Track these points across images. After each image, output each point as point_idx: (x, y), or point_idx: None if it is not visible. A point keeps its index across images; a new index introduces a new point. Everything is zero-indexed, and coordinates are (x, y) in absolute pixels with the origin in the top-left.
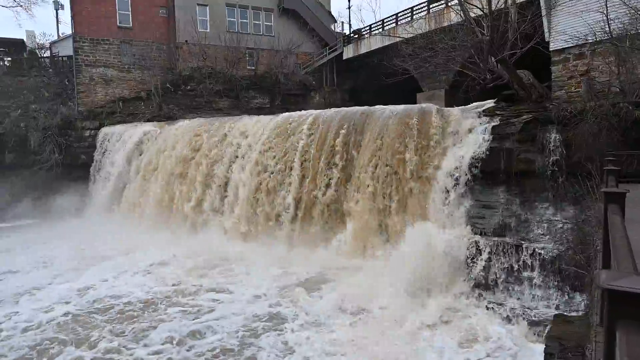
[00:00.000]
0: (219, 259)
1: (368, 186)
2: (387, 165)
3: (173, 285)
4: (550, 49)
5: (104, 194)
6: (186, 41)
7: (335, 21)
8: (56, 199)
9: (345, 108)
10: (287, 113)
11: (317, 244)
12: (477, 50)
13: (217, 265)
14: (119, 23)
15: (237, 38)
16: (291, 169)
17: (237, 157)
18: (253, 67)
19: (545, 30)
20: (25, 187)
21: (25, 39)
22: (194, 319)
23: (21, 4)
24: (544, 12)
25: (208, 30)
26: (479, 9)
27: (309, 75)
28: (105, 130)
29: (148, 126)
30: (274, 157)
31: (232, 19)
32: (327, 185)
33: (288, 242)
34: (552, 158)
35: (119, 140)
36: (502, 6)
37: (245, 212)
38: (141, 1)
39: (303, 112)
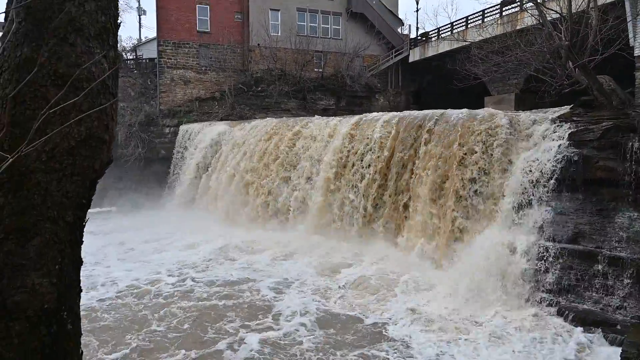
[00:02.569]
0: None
1: (434, 191)
2: (454, 170)
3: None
4: (635, 55)
5: (182, 187)
6: (258, 44)
7: (403, 24)
8: (138, 190)
9: (411, 111)
10: (358, 116)
11: (381, 243)
12: (554, 55)
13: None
14: (199, 28)
15: (306, 41)
16: (361, 172)
17: (310, 156)
18: (320, 70)
19: (630, 35)
20: (111, 178)
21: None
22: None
23: None
24: (629, 18)
25: (279, 34)
26: (557, 12)
27: (374, 78)
28: (184, 127)
29: (222, 125)
30: (343, 159)
31: (301, 23)
32: (393, 189)
33: (356, 241)
34: (634, 166)
35: (197, 137)
36: (583, 9)
37: (319, 210)
38: (219, 7)
39: (374, 114)
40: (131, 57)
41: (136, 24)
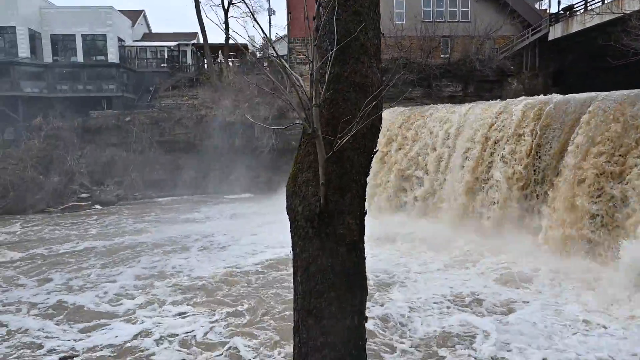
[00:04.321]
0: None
1: (590, 183)
2: (612, 161)
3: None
4: None
5: None
6: (383, 34)
7: None
8: (270, 178)
9: (558, 95)
10: (495, 102)
11: (524, 239)
12: None
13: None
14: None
15: (432, 27)
16: (503, 163)
17: (443, 145)
18: (447, 55)
19: None
20: (247, 167)
21: (248, 43)
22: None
23: (249, 15)
24: None
25: (404, 22)
26: None
27: (506, 60)
28: None
29: None
30: (481, 149)
31: (427, 9)
32: (539, 180)
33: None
34: None
35: None
36: None
37: (458, 202)
38: None
39: (513, 99)
40: (264, 56)
41: (266, 24)
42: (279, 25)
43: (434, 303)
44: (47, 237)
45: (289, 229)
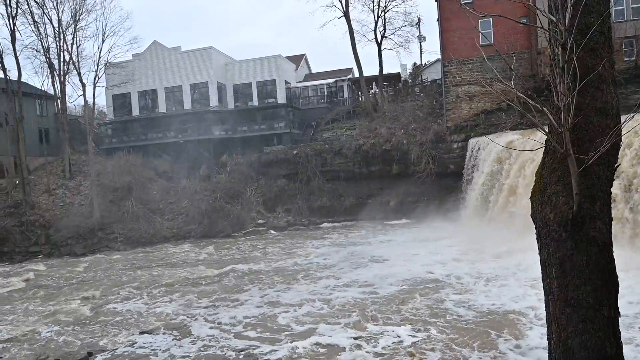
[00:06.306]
0: None
1: None
2: None
3: None
4: None
5: (474, 199)
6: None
7: None
8: (430, 204)
9: None
10: None
11: None
12: None
13: None
14: (481, 42)
15: (611, 29)
16: None
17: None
18: (632, 58)
19: None
20: (404, 193)
21: (400, 72)
22: None
23: (401, 44)
24: None
25: None
26: None
27: None
28: (473, 140)
29: (512, 135)
30: None
31: None
32: None
33: None
34: None
35: (485, 150)
36: None
37: None
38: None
39: None
40: (417, 82)
41: (417, 51)
42: (430, 50)
43: None
44: (235, 257)
45: (535, 234)
